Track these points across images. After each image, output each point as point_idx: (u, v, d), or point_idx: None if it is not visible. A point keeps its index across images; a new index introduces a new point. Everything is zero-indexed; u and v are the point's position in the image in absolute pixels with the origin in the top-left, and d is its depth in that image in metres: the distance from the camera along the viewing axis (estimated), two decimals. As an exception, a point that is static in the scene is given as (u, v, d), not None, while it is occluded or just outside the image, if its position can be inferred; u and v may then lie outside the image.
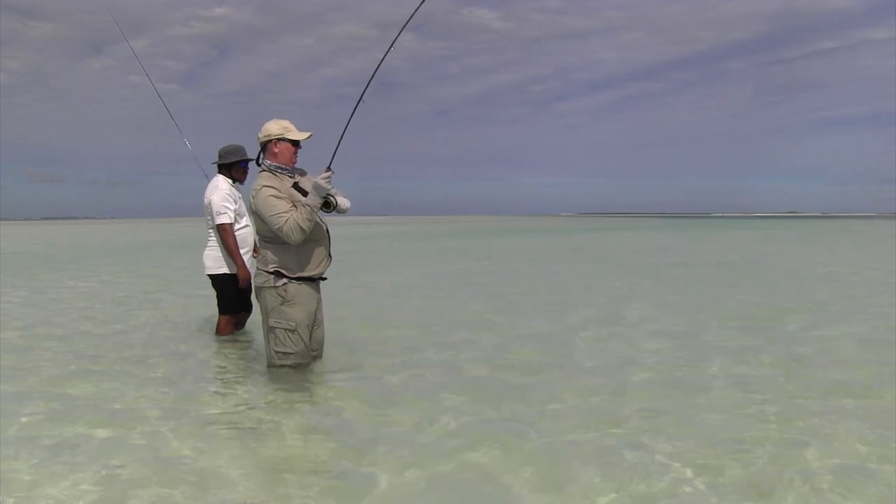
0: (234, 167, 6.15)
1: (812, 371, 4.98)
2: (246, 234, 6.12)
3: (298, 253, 4.73)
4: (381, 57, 4.82)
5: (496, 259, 17.77)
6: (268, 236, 4.74)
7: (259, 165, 4.87)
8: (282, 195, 4.64)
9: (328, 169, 4.69)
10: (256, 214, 4.71)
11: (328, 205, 4.75)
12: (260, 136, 4.86)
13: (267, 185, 4.67)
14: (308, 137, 4.88)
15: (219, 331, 6.30)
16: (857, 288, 10.10)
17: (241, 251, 5.98)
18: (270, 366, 4.87)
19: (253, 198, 4.71)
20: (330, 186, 4.66)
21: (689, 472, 3.05)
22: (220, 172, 6.17)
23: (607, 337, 6.36)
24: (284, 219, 4.55)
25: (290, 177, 4.79)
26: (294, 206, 4.62)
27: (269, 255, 4.75)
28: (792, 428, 3.65)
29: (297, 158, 4.88)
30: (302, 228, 4.55)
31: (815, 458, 3.21)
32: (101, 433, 3.65)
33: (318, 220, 4.76)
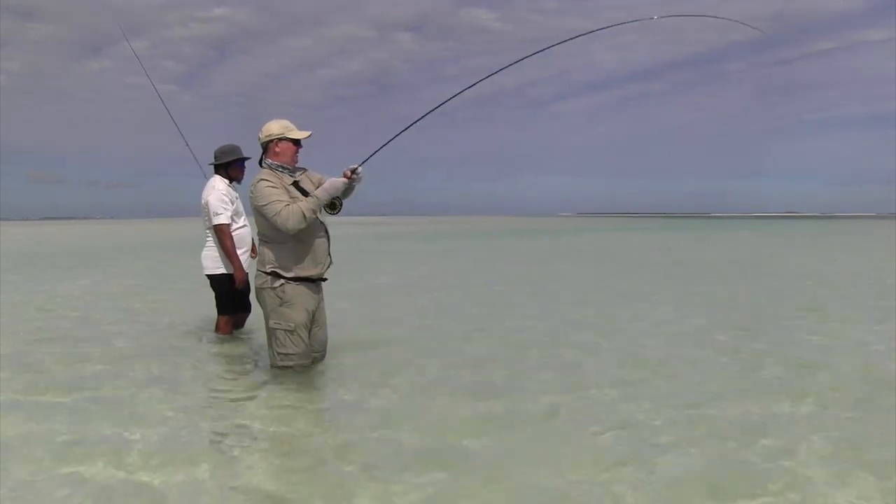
0: (231, 166, 6.13)
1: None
2: (244, 233, 6.12)
3: (297, 252, 4.72)
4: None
5: (498, 260, 17.77)
6: (267, 235, 4.74)
7: (260, 166, 4.88)
8: (278, 187, 4.66)
9: (354, 171, 4.71)
10: (256, 209, 4.72)
11: (333, 206, 4.76)
12: (261, 136, 4.86)
13: (264, 178, 4.71)
14: (308, 136, 4.89)
15: (217, 331, 6.29)
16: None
17: (239, 251, 5.98)
18: (273, 366, 4.88)
19: (251, 193, 4.72)
20: (343, 188, 4.68)
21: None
22: (216, 173, 6.17)
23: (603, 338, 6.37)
24: (284, 204, 4.55)
25: (290, 175, 4.81)
26: (293, 199, 4.63)
27: (267, 254, 4.74)
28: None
29: (299, 158, 4.90)
30: (303, 216, 4.55)
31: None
32: (99, 433, 3.64)
33: (319, 219, 4.77)
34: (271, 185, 4.65)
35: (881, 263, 14.91)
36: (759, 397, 4.27)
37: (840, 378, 4.75)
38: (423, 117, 4.92)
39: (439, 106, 4.94)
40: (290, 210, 4.54)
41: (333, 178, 4.74)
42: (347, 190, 4.78)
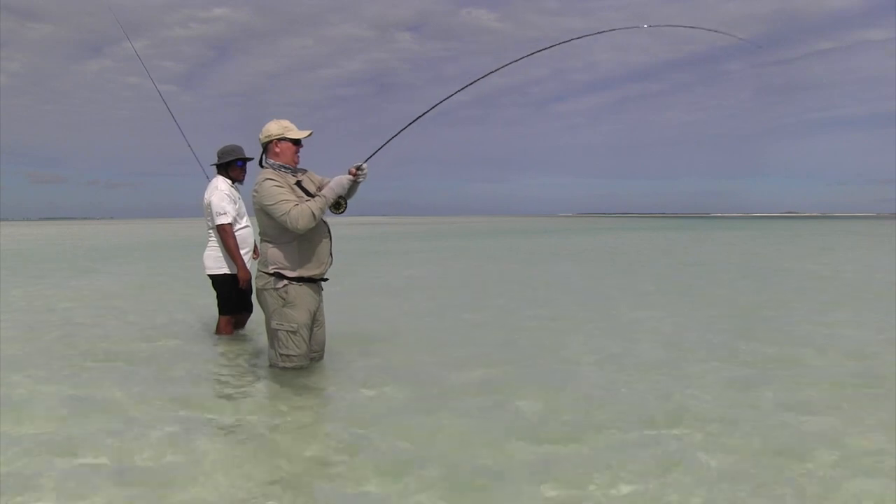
0: (230, 167, 6.14)
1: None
2: (246, 234, 6.12)
3: (300, 252, 4.72)
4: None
5: (496, 260, 17.79)
6: (270, 235, 4.73)
7: (262, 166, 4.88)
8: (283, 186, 4.66)
9: (359, 168, 4.76)
10: (260, 209, 4.71)
11: (338, 205, 4.77)
12: (261, 137, 4.88)
13: (269, 178, 4.70)
14: (308, 135, 4.89)
15: (219, 331, 6.29)
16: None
17: (242, 251, 5.99)
18: (273, 366, 4.88)
19: (256, 192, 4.71)
20: (349, 185, 4.73)
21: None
22: (218, 173, 6.18)
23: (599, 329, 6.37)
24: (293, 203, 4.56)
25: (292, 175, 4.81)
26: (299, 199, 4.63)
27: (270, 254, 4.74)
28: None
29: (300, 158, 4.90)
30: (313, 215, 4.55)
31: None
32: (98, 433, 3.63)
33: (322, 218, 4.78)
34: (277, 184, 4.65)
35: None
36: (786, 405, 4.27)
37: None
38: (425, 113, 4.98)
39: (442, 101, 5.01)
40: (299, 210, 4.54)
41: (339, 176, 4.76)
42: (352, 188, 4.80)
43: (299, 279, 4.74)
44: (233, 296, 6.15)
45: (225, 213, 5.92)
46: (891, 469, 3.08)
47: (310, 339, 4.88)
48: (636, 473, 3.05)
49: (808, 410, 3.99)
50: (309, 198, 4.70)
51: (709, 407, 4.06)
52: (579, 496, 2.84)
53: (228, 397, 4.40)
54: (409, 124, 4.92)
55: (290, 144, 4.83)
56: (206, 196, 6.06)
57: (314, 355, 5.02)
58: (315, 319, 4.93)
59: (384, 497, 2.87)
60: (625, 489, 2.89)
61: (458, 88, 5.10)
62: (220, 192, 5.99)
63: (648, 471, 3.08)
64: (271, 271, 4.72)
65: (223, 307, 6.22)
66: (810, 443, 3.44)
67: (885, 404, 4.11)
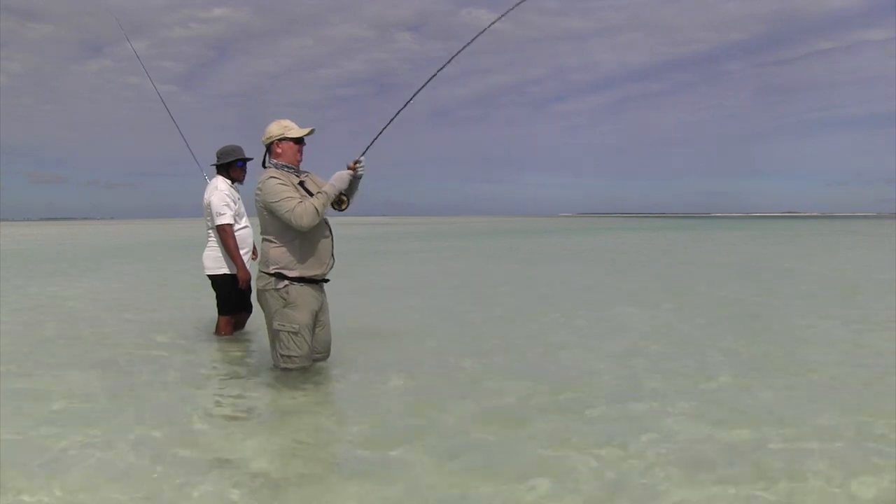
0: (231, 167, 6.14)
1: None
2: (245, 234, 6.12)
3: (301, 251, 4.72)
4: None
5: (496, 260, 17.80)
6: (272, 233, 4.72)
7: (264, 167, 4.89)
8: (287, 185, 4.66)
9: (357, 161, 4.76)
10: (263, 207, 4.70)
11: (339, 202, 4.77)
12: (263, 139, 4.88)
13: (273, 176, 4.69)
14: (310, 133, 4.89)
15: (218, 331, 6.29)
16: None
17: (241, 251, 5.99)
18: (276, 367, 4.87)
19: (259, 191, 4.70)
20: (349, 179, 4.72)
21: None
22: (218, 173, 6.18)
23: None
24: (296, 201, 4.55)
25: (295, 175, 4.81)
26: (303, 197, 4.63)
27: (271, 254, 4.72)
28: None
29: (303, 156, 4.90)
30: (317, 212, 4.55)
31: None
32: (98, 434, 3.62)
33: (324, 218, 4.78)
34: (281, 182, 4.65)
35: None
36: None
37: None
38: (413, 96, 4.89)
39: (427, 82, 4.92)
40: (303, 207, 4.54)
41: (339, 172, 4.76)
42: (353, 183, 4.80)
43: (300, 279, 4.73)
44: (232, 296, 6.15)
45: (225, 214, 5.92)
46: (888, 461, 3.09)
47: (312, 340, 4.88)
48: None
49: (804, 406, 3.99)
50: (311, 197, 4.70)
51: (705, 398, 4.08)
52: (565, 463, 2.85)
53: (228, 396, 4.41)
54: (399, 111, 4.88)
55: (291, 143, 4.83)
56: (205, 196, 6.06)
57: (317, 356, 5.01)
58: (318, 320, 4.92)
59: (377, 500, 2.88)
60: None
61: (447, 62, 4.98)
62: (220, 192, 6.00)
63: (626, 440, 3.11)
64: (272, 271, 4.71)
65: (223, 307, 6.22)
66: (807, 438, 3.44)
67: (882, 400, 4.12)
